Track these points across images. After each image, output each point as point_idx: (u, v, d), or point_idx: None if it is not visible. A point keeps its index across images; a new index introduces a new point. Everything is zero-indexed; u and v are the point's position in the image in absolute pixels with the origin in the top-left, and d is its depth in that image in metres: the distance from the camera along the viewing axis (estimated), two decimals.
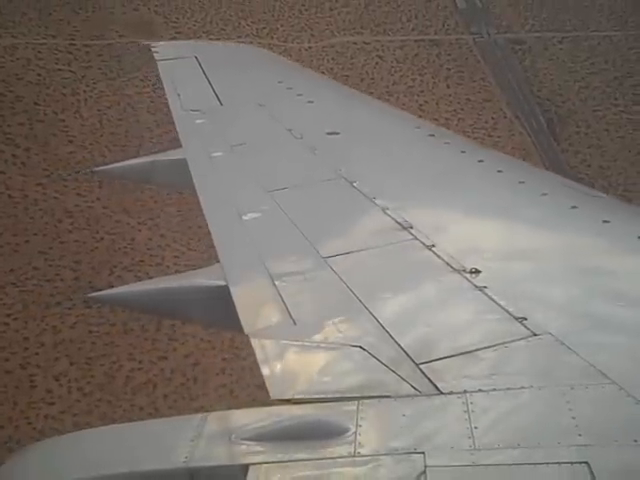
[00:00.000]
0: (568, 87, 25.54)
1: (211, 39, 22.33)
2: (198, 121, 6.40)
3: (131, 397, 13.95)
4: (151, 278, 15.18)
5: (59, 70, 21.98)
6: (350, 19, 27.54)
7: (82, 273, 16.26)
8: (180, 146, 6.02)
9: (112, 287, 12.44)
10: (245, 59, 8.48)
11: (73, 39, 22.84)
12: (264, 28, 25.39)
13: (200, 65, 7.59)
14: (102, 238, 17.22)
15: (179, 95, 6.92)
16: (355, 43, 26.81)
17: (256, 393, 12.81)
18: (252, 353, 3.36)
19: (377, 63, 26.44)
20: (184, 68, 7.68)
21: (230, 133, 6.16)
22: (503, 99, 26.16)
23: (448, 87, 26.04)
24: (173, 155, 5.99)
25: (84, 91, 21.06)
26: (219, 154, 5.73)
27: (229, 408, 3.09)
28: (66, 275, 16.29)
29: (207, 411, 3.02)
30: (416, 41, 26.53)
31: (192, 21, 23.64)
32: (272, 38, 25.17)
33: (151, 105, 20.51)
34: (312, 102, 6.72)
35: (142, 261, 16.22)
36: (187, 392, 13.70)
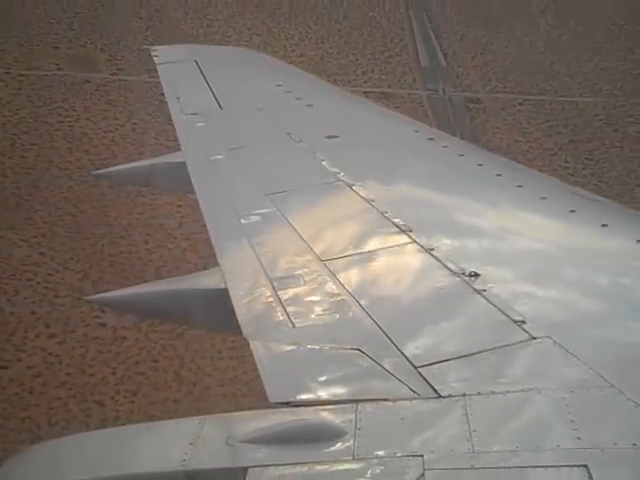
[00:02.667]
0: (517, 146, 24.73)
1: (153, 76, 22.41)
2: (197, 124, 6.40)
3: None
4: (17, 293, 15.29)
5: None
6: (302, 68, 27.03)
7: None
8: (179, 149, 6.03)
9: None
10: (244, 63, 8.50)
11: (9, 68, 22.85)
12: None
13: (200, 68, 7.60)
14: None
15: (178, 98, 6.93)
16: None
17: (94, 408, 12.89)
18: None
19: None
20: (184, 71, 7.70)
21: (229, 136, 6.16)
22: None
23: None
24: (172, 158, 6.00)
25: (4, 116, 20.98)
26: (218, 157, 5.73)
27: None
28: None
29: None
30: (365, 92, 25.67)
31: (136, 59, 23.68)
32: None
33: (69, 133, 20.45)
34: (311, 106, 6.73)
35: (13, 275, 16.07)
36: (19, 402, 13.41)
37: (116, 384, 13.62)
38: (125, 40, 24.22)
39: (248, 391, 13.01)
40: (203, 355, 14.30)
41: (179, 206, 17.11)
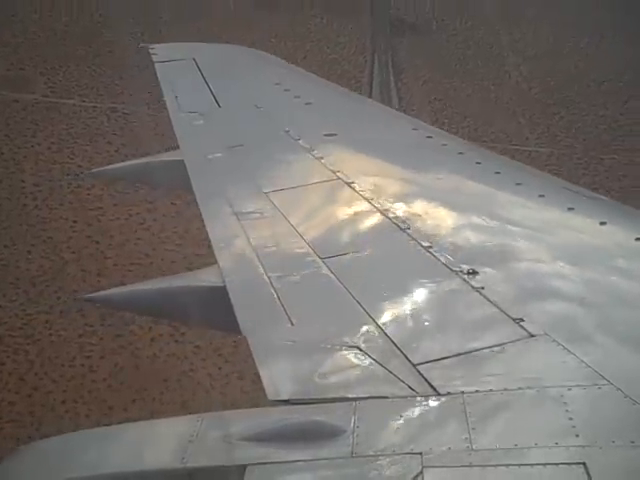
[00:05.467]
0: None
1: (84, 100, 22.48)
2: (195, 122, 6.40)
3: None
4: None
5: None
6: None
7: None
8: (178, 147, 6.02)
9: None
10: (243, 61, 8.48)
11: None
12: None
13: (198, 67, 7.59)
14: None
15: (177, 97, 6.92)
16: None
17: None
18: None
19: None
20: (182, 70, 7.68)
21: (227, 134, 6.16)
22: None
23: None
24: (171, 156, 5.99)
25: None
26: (217, 155, 5.73)
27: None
28: None
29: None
30: None
31: (74, 84, 23.67)
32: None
33: None
34: (310, 104, 6.72)
35: None
36: None
37: None
38: (67, 66, 24.22)
39: (91, 399, 13.32)
40: (55, 362, 14.28)
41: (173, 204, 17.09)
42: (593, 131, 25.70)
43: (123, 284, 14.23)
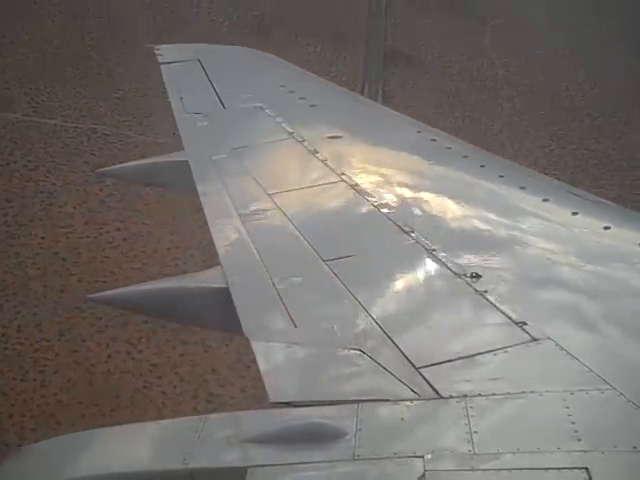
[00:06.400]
0: None
1: (66, 121, 22.58)
2: (200, 124, 6.40)
3: None
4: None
5: None
6: None
7: None
8: (182, 148, 6.03)
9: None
10: (248, 62, 8.49)
11: None
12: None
13: (203, 68, 7.60)
14: None
15: (181, 98, 6.93)
16: None
17: None
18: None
19: None
20: (187, 71, 7.70)
21: (232, 136, 6.16)
22: None
23: None
24: (175, 157, 6.00)
25: None
26: (221, 156, 5.73)
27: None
28: None
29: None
30: None
31: (57, 105, 23.54)
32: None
33: None
34: (314, 106, 6.72)
35: None
36: None
37: None
38: (52, 87, 24.15)
39: (39, 413, 13.24)
40: (7, 376, 14.18)
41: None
42: (582, 165, 25.31)
43: (84, 301, 14.32)
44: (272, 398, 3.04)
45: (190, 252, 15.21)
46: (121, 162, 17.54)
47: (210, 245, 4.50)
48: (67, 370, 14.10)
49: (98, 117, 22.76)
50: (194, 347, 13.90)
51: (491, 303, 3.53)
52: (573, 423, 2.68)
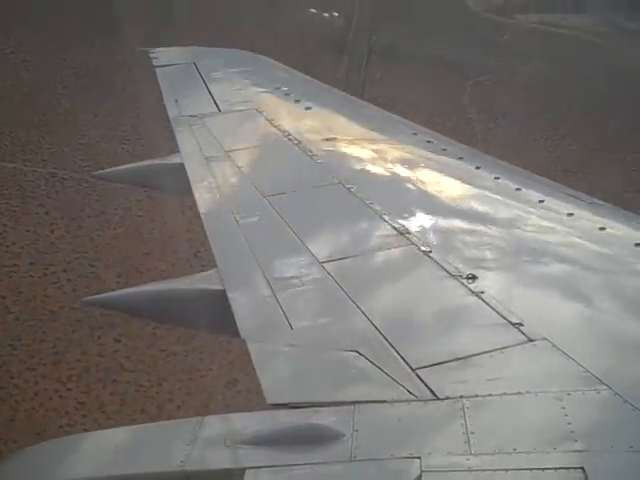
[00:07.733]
0: None
1: (26, 165, 22.51)
2: (196, 127, 6.40)
3: None
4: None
5: None
6: None
7: None
8: (178, 151, 6.03)
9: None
10: (243, 64, 8.49)
11: None
12: None
13: (198, 70, 7.61)
14: None
15: (177, 101, 6.94)
16: None
17: None
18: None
19: None
20: (182, 74, 7.70)
21: (227, 139, 6.16)
22: None
23: None
24: (171, 160, 6.00)
25: None
26: (216, 159, 5.73)
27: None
28: None
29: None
30: None
31: (19, 148, 23.12)
32: None
33: None
34: (310, 108, 6.73)
35: None
36: None
37: None
38: (17, 132, 23.76)
39: None
40: None
41: None
42: None
43: (20, 338, 14.18)
44: (269, 400, 3.04)
45: None
46: (77, 207, 17.53)
47: None
48: None
49: (59, 162, 22.60)
50: (125, 386, 13.69)
51: (487, 304, 3.54)
52: (569, 423, 2.69)
